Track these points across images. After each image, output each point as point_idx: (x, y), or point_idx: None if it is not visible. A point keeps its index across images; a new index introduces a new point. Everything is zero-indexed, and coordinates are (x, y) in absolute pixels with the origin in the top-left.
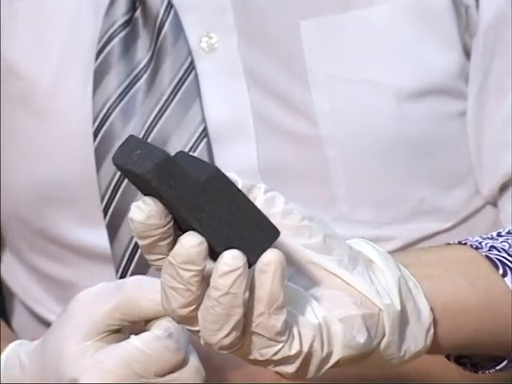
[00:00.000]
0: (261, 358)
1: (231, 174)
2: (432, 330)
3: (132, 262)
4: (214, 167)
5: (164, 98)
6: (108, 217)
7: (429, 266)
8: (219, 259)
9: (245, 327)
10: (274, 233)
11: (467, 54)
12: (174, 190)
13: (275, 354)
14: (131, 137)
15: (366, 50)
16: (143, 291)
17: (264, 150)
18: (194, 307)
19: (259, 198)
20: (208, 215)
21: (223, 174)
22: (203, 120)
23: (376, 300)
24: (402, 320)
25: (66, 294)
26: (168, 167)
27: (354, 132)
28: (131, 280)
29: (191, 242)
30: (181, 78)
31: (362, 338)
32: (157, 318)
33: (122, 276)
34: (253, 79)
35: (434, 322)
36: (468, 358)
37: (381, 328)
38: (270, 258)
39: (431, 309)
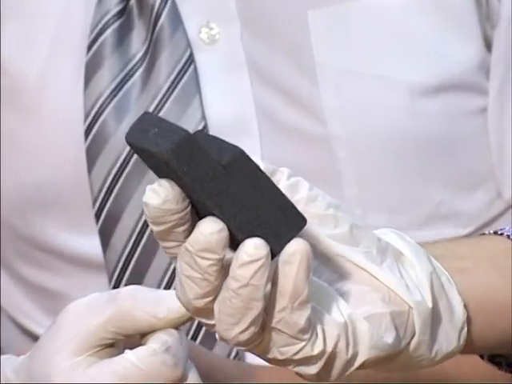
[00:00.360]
0: (280, 357)
1: (254, 157)
2: (465, 328)
3: (126, 270)
4: (238, 148)
5: (161, 94)
6: (100, 222)
7: (462, 258)
8: (240, 247)
9: (264, 322)
10: (301, 221)
11: (488, 45)
12: (193, 172)
13: (296, 353)
14: (146, 114)
15: (379, 43)
16: (139, 302)
17: (268, 150)
18: (211, 298)
19: (282, 183)
20: (230, 200)
21: (248, 156)
22: (203, 117)
23: (406, 296)
24: (434, 318)
25: (55, 305)
26: (188, 147)
27: (365, 130)
28: (126, 290)
29: (211, 229)
30: (179, 72)
31: (390, 338)
32: (153, 331)
33: (116, 286)
34: (256, 73)
35: (468, 319)
36: (503, 357)
37: (410, 327)
38: (295, 248)
39: (464, 306)
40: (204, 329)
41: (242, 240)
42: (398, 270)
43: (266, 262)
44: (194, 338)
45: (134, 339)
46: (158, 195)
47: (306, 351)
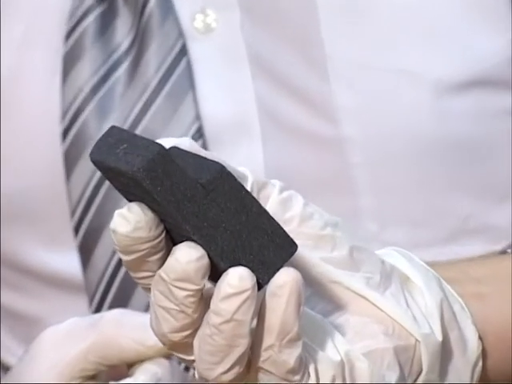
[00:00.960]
0: None
1: (242, 169)
2: (480, 364)
3: (109, 292)
4: (219, 165)
5: (149, 91)
6: (80, 237)
7: (479, 282)
8: (222, 278)
9: (250, 361)
10: (291, 247)
11: None
12: (169, 192)
13: None
14: (114, 128)
15: (398, 33)
16: (124, 328)
17: (272, 154)
18: (189, 332)
19: (273, 198)
20: (211, 223)
21: (230, 173)
22: (197, 117)
23: (412, 329)
24: (444, 353)
25: (29, 331)
26: (162, 164)
27: (382, 132)
28: (109, 315)
29: (188, 256)
30: (170, 66)
31: (393, 378)
32: (141, 361)
33: (98, 309)
34: (259, 66)
35: (483, 353)
36: None
37: (417, 363)
38: (284, 279)
39: (480, 338)
40: None
41: (225, 269)
42: (404, 299)
43: (251, 294)
44: (187, 367)
45: (118, 370)
46: (128, 222)
47: None
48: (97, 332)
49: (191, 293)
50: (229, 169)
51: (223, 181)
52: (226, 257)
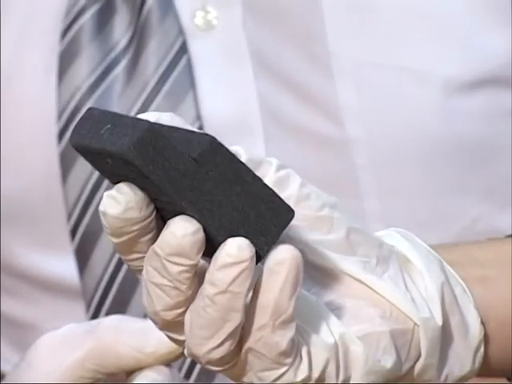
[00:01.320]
0: (258, 382)
1: (234, 147)
2: (482, 349)
3: (107, 297)
4: (209, 136)
5: (148, 89)
6: (76, 240)
7: (482, 265)
8: (221, 248)
9: (241, 340)
10: (288, 214)
11: None
12: (161, 169)
13: (277, 378)
14: (92, 110)
15: (405, 31)
16: (122, 335)
17: (274, 153)
18: (182, 310)
19: (269, 177)
20: (206, 197)
21: (221, 144)
22: (198, 116)
23: (411, 312)
24: (444, 338)
25: (24, 338)
26: (152, 141)
27: (388, 133)
28: (107, 321)
29: (184, 229)
30: (170, 64)
31: (388, 362)
32: (140, 368)
33: (95, 315)
34: (261, 64)
35: (486, 338)
36: None
37: (415, 348)
38: (283, 255)
39: (482, 322)
40: (200, 365)
41: (222, 242)
42: (403, 281)
43: (249, 265)
44: (188, 375)
45: (117, 378)
46: (118, 203)
47: (288, 377)
48: (94, 338)
49: (186, 268)
50: None
51: (215, 152)
52: (224, 229)
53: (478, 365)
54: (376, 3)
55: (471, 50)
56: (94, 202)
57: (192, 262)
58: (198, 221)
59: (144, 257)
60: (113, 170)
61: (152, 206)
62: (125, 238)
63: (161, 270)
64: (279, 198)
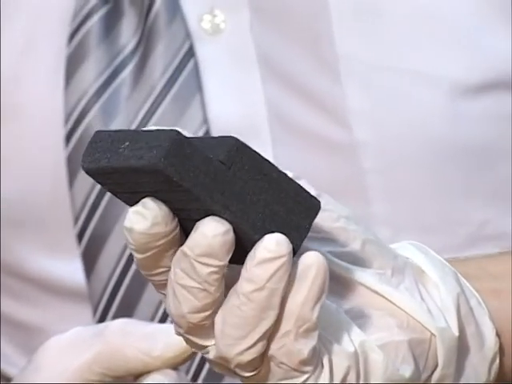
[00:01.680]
0: None
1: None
2: (497, 360)
3: (114, 301)
4: (231, 138)
5: (155, 93)
6: (83, 244)
7: (496, 278)
8: (258, 244)
9: (264, 349)
10: (315, 206)
11: None
12: (193, 176)
13: None
14: (100, 132)
15: (413, 33)
16: (130, 338)
17: (282, 158)
18: (208, 313)
19: None
20: (238, 198)
21: (244, 143)
22: (205, 120)
23: (427, 323)
24: (461, 348)
25: (31, 341)
26: (182, 149)
27: (396, 136)
28: (114, 324)
29: (214, 230)
30: (177, 68)
31: (407, 371)
32: (148, 371)
33: (102, 319)
34: (269, 68)
35: (501, 349)
36: None
37: (432, 358)
38: (311, 259)
39: (497, 334)
40: (207, 367)
41: (256, 241)
42: (419, 292)
43: (287, 261)
44: (195, 378)
45: (123, 381)
46: (145, 218)
47: None
48: (101, 342)
49: (215, 269)
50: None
51: (240, 153)
52: (258, 228)
53: (493, 375)
54: (384, 6)
55: (479, 53)
56: (101, 206)
57: (222, 263)
58: (231, 223)
59: (168, 271)
60: (134, 187)
61: (176, 220)
62: (150, 253)
63: (189, 271)
64: (305, 190)
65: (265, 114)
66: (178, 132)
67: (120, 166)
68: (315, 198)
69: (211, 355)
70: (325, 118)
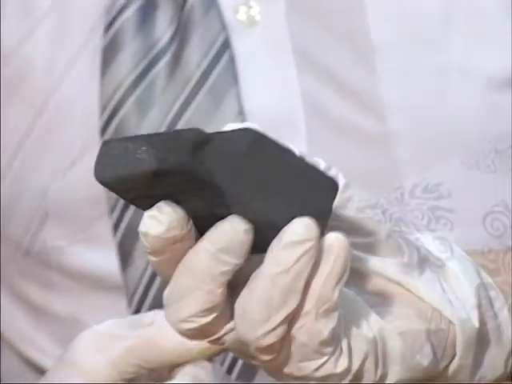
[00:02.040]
0: (298, 374)
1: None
2: None
3: (149, 292)
4: (249, 130)
5: (191, 85)
6: (119, 235)
7: None
8: (286, 228)
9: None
10: (334, 186)
11: None
12: (218, 172)
13: (317, 369)
14: (109, 142)
15: (449, 24)
16: (165, 329)
17: (317, 150)
18: (214, 315)
19: None
20: (263, 189)
21: (261, 133)
22: (241, 112)
23: (448, 313)
24: (479, 340)
25: (64, 332)
26: (203, 146)
27: (430, 128)
28: (149, 315)
29: (238, 226)
30: (212, 60)
31: (425, 359)
32: (183, 363)
33: (137, 310)
34: (304, 60)
35: None
36: None
37: (451, 348)
38: (332, 241)
39: None
40: (241, 360)
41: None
42: (440, 284)
43: (315, 245)
44: (230, 370)
45: (159, 373)
46: (161, 223)
47: (327, 368)
48: (137, 334)
49: (228, 268)
50: None
51: (259, 143)
52: (284, 215)
53: (509, 369)
54: (419, 1)
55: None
56: None
57: (237, 262)
58: (258, 214)
59: None
60: (149, 191)
61: (191, 222)
62: (165, 256)
63: (202, 269)
64: (322, 172)
65: (300, 106)
66: (198, 130)
67: (139, 171)
68: (332, 179)
69: (228, 343)
70: (359, 109)
